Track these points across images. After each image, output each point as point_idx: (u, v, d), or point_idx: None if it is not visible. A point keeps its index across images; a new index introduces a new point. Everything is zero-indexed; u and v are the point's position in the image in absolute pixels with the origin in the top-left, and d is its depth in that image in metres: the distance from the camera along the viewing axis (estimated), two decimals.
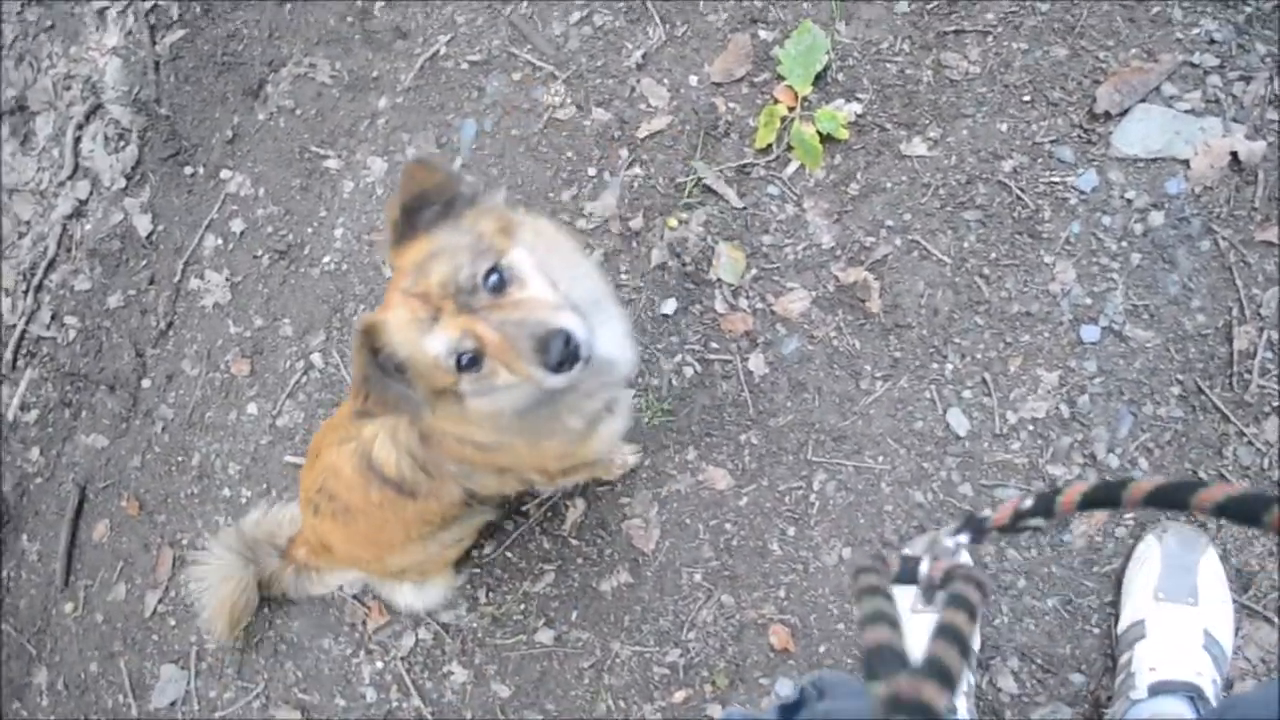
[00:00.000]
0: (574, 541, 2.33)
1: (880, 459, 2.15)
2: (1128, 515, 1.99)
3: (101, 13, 3.32)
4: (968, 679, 1.91)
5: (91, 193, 3.19)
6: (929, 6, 2.35)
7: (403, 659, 2.40)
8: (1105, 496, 0.87)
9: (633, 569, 2.26)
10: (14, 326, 3.15)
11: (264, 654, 2.54)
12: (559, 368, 1.41)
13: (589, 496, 2.33)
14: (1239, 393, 1.97)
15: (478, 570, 2.39)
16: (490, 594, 2.37)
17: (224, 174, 3.02)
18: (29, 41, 3.38)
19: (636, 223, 2.45)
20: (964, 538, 0.98)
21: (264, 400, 2.74)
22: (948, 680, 0.71)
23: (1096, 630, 1.95)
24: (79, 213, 3.19)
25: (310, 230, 2.84)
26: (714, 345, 2.32)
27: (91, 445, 2.95)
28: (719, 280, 2.34)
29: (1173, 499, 0.82)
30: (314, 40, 3.03)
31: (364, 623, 2.46)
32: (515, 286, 1.47)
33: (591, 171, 2.54)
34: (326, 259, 2.79)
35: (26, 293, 3.17)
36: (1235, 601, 1.86)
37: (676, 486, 2.27)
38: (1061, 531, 2.01)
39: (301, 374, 2.71)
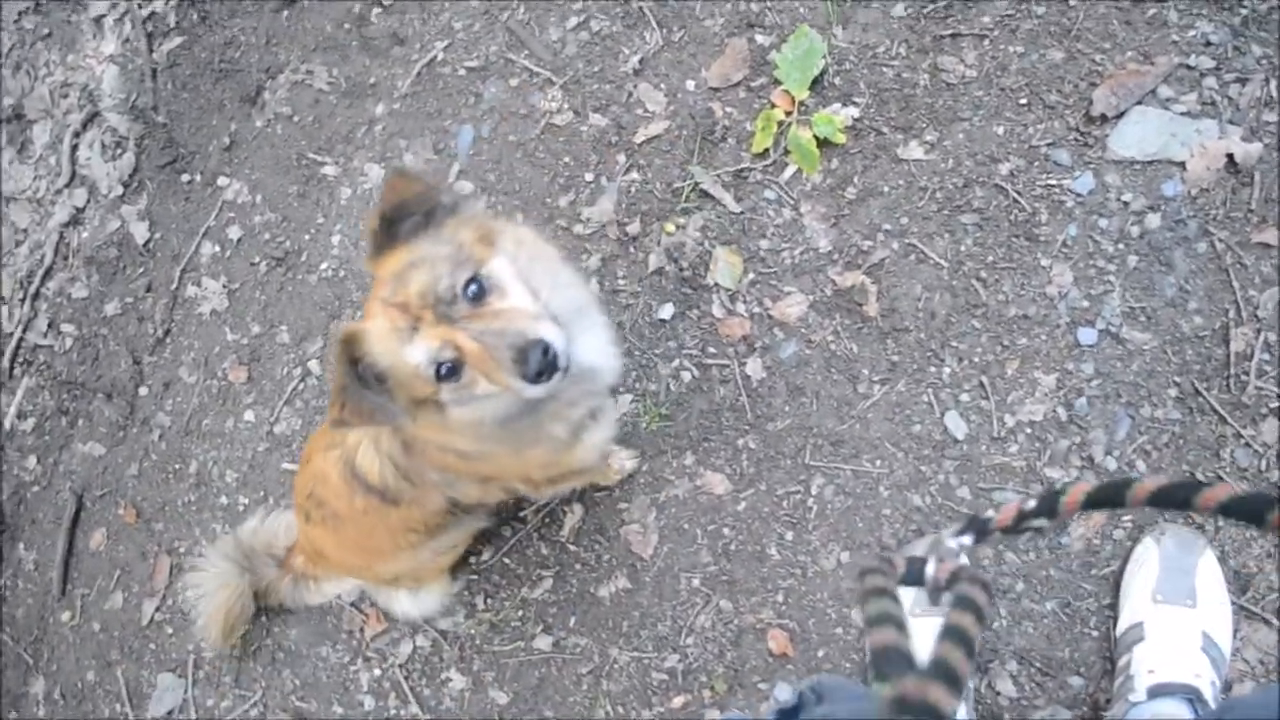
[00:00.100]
0: (572, 547, 2.32)
1: (878, 463, 2.15)
2: (1126, 518, 1.99)
3: (99, 20, 3.33)
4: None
5: (89, 200, 3.19)
6: (925, 10, 2.36)
7: (401, 666, 2.39)
8: (1109, 497, 0.87)
9: (631, 574, 2.25)
10: (11, 334, 3.15)
11: (261, 662, 2.53)
12: (538, 378, 1.42)
13: (587, 502, 2.33)
14: (1236, 395, 1.97)
15: (475, 576, 2.38)
16: (488, 600, 2.37)
17: (221, 181, 3.02)
18: (26, 49, 3.38)
19: (634, 228, 2.45)
20: (967, 539, 0.97)
21: (261, 407, 2.73)
22: (954, 682, 0.71)
23: (1095, 633, 1.95)
24: (76, 220, 3.19)
25: (307, 237, 2.84)
26: (711, 350, 2.32)
27: (89, 453, 2.94)
28: (716, 285, 2.34)
29: (1176, 499, 0.82)
30: (311, 47, 3.03)
31: (362, 630, 2.45)
32: (495, 296, 1.48)
33: (589, 177, 2.54)
34: (324, 266, 2.79)
35: (24, 301, 3.16)
36: (1234, 603, 1.86)
37: (674, 491, 2.26)
38: (1059, 534, 2.01)
39: (299, 381, 2.70)
